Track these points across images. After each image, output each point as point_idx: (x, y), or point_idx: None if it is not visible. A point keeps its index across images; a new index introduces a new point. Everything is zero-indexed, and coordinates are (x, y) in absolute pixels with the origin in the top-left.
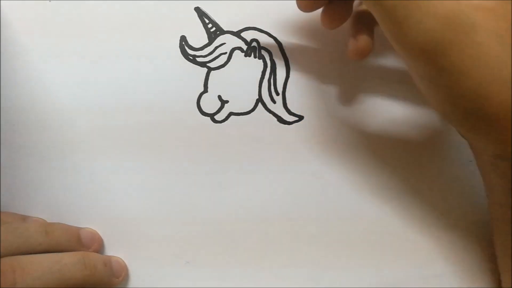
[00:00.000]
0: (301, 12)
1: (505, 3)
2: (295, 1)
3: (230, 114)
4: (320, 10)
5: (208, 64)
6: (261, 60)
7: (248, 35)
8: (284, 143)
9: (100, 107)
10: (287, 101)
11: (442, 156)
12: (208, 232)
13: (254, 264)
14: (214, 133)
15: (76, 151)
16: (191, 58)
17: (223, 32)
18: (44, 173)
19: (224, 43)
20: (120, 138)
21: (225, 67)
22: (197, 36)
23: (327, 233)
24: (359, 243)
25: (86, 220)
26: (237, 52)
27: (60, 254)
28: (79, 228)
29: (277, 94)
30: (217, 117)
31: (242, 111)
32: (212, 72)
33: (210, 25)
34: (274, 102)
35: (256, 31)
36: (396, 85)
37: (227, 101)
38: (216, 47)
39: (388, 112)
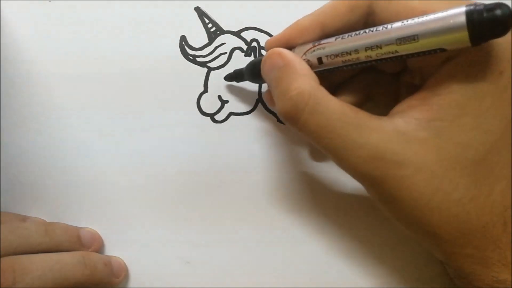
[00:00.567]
0: (301, 12)
1: (437, 133)
2: (295, 1)
3: (230, 114)
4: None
5: (208, 64)
6: None
7: (248, 35)
8: (284, 143)
9: (100, 107)
10: None
11: None
12: (209, 233)
13: (254, 263)
14: (214, 133)
15: (76, 151)
16: (191, 58)
17: (223, 32)
18: (44, 173)
19: (224, 43)
20: (120, 138)
21: (225, 67)
22: (197, 36)
23: (327, 232)
24: (359, 243)
25: (86, 220)
26: (237, 52)
27: (60, 254)
28: (79, 228)
29: None
30: (217, 117)
31: (242, 111)
32: (212, 72)
33: (210, 25)
34: None
35: (256, 31)
36: None
37: (227, 101)
38: (216, 47)
39: None
